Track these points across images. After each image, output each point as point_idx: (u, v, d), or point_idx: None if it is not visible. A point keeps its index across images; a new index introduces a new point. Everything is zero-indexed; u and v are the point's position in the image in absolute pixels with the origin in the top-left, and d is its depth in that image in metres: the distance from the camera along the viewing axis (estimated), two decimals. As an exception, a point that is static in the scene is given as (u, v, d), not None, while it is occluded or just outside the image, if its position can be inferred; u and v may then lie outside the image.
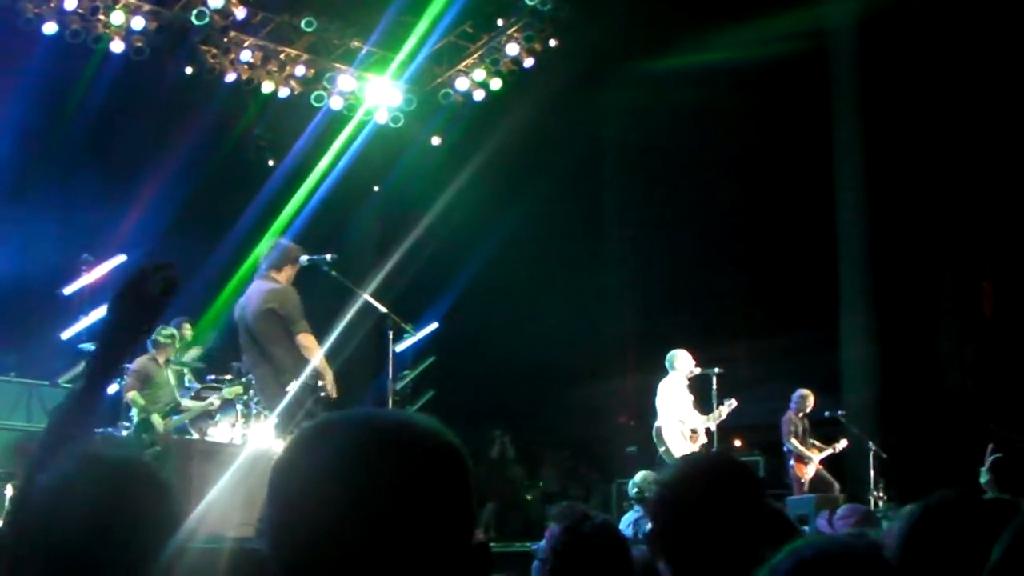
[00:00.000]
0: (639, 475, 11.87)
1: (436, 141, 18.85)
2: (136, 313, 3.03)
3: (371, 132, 18.39)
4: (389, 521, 1.62)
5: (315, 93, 17.63)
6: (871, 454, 15.80)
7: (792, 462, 15.67)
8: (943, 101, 19.93)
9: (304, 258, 9.88)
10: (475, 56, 18.06)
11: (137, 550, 2.67)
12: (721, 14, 19.01)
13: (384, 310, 10.04)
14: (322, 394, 9.48)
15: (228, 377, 12.58)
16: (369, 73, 17.93)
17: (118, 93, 16.01)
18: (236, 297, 15.40)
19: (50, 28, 15.17)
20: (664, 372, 13.86)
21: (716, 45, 19.14)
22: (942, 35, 19.46)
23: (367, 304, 10.14)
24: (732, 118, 21.05)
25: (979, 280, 20.15)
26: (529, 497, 19.46)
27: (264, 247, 10.12)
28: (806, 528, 10.73)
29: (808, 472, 15.54)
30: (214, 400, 12.19)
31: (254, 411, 11.05)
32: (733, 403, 13.95)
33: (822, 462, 15.72)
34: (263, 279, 9.87)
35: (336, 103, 17.83)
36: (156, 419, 11.53)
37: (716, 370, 13.98)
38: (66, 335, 12.65)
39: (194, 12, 15.65)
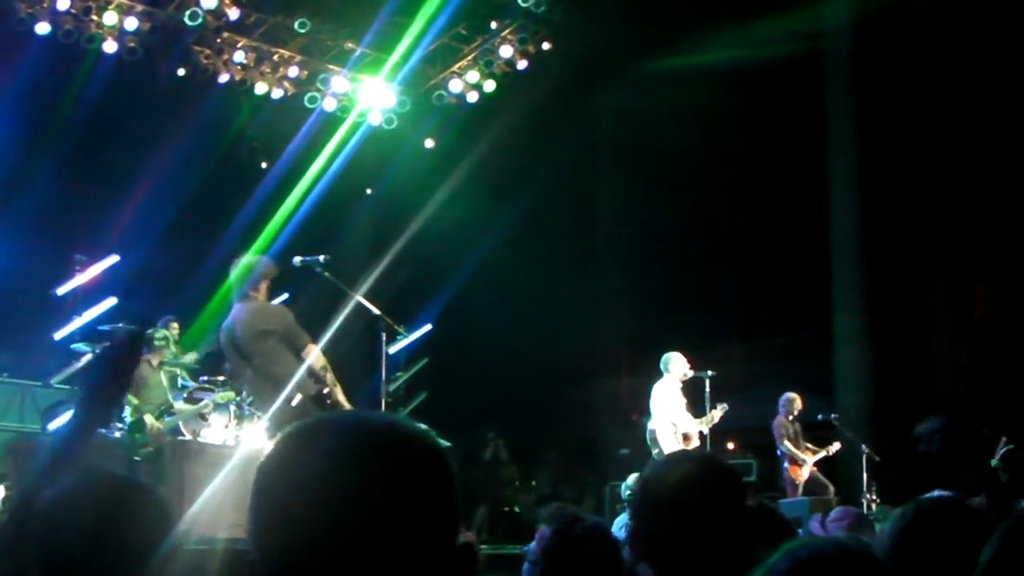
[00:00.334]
0: (632, 477, 11.87)
1: (430, 144, 18.85)
2: (116, 381, 3.23)
3: (365, 134, 18.38)
4: (373, 522, 1.62)
5: (308, 94, 17.65)
6: (864, 457, 15.79)
7: (786, 465, 15.69)
8: (938, 103, 19.96)
9: (297, 259, 9.87)
10: (469, 58, 18.07)
11: (132, 563, 2.75)
12: (716, 15, 19.03)
13: (377, 312, 10.03)
14: (329, 403, 9.48)
15: (221, 378, 12.56)
16: (363, 75, 17.95)
17: (111, 94, 16.00)
18: (228, 300, 15.45)
19: (43, 28, 15.19)
20: (658, 374, 13.87)
21: (710, 46, 19.15)
22: (937, 37, 19.49)
23: (360, 306, 10.14)
24: (726, 120, 21.06)
25: (972, 283, 20.18)
26: (522, 499, 19.47)
27: (236, 269, 10.05)
28: (800, 531, 10.74)
29: (802, 475, 15.55)
30: (207, 403, 12.18)
31: (247, 412, 11.04)
32: (725, 407, 13.99)
33: (816, 465, 15.73)
34: (245, 302, 9.84)
35: (329, 104, 17.84)
36: (149, 420, 11.50)
37: (709, 373, 14.01)
38: (59, 335, 12.62)
39: (187, 13, 15.66)
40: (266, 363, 9.57)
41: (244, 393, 11.76)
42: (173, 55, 16.43)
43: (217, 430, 12.15)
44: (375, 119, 18.23)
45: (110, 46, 15.70)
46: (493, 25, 17.69)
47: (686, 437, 13.70)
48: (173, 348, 12.87)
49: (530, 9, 17.05)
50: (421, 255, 18.17)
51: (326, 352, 10.02)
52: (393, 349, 10.60)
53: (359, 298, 10.18)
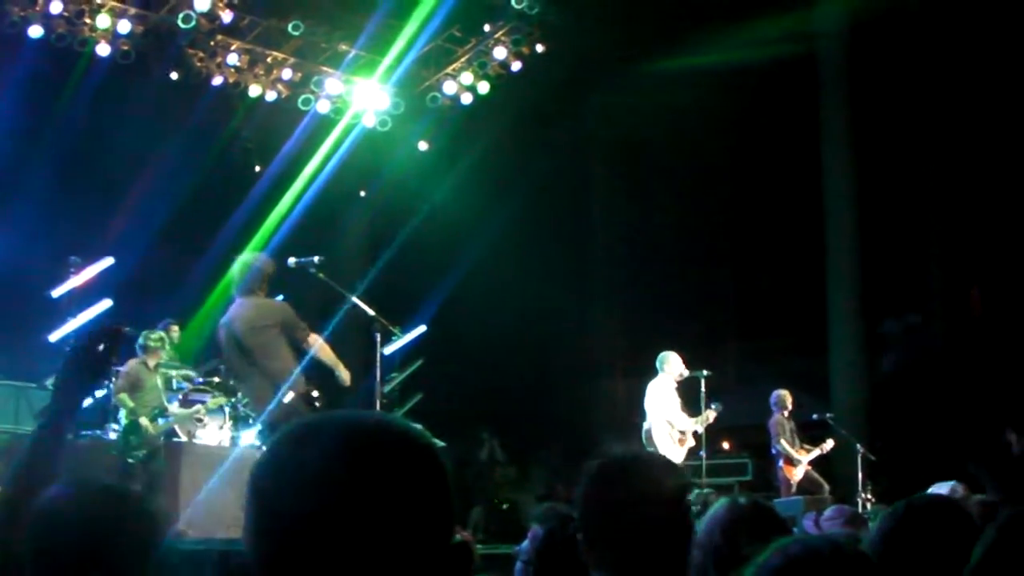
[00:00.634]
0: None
1: (423, 146, 18.85)
2: (88, 371, 3.28)
3: (358, 136, 18.38)
4: (369, 522, 1.62)
5: (302, 97, 17.64)
6: (859, 456, 15.83)
7: (781, 464, 15.71)
8: (932, 105, 19.99)
9: (292, 261, 9.88)
10: (462, 59, 18.07)
11: (122, 572, 2.79)
12: (710, 17, 19.04)
13: (372, 313, 10.05)
14: (318, 405, 9.51)
15: (216, 380, 12.57)
16: (356, 77, 17.93)
17: (105, 97, 16.00)
18: (223, 302, 15.42)
19: (36, 31, 15.18)
20: (654, 374, 13.89)
21: (704, 48, 19.16)
22: (932, 39, 19.52)
23: (355, 307, 10.15)
24: (721, 121, 21.09)
25: (968, 284, 20.20)
26: (517, 499, 19.48)
27: (237, 266, 10.08)
28: (795, 530, 10.76)
29: (797, 474, 15.58)
30: (200, 408, 12.20)
31: (241, 414, 11.06)
32: (720, 407, 14.00)
33: (811, 464, 15.75)
34: (248, 297, 9.85)
35: (323, 107, 17.85)
36: (145, 422, 11.52)
37: (704, 372, 14.02)
38: (54, 337, 12.62)
39: (180, 16, 15.66)
40: (264, 358, 9.58)
41: (239, 395, 11.79)
42: (166, 58, 16.44)
43: (212, 432, 12.17)
44: (369, 121, 18.23)
45: (103, 49, 15.70)
46: (487, 28, 17.70)
47: (681, 436, 13.73)
48: (169, 350, 12.87)
49: (523, 11, 17.06)
50: (416, 256, 18.17)
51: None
52: (388, 350, 10.61)
53: (354, 299, 10.20)
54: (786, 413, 15.74)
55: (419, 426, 1.80)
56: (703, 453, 14.30)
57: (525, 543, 4.04)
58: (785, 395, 15.79)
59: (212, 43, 16.70)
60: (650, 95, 19.84)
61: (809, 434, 16.19)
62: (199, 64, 16.72)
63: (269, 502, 1.67)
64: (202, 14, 15.82)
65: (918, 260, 20.28)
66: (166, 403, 12.10)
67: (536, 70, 18.03)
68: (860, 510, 12.71)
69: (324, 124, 18.18)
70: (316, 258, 9.91)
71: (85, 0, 15.49)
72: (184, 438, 11.99)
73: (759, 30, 18.44)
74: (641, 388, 14.02)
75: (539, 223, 20.76)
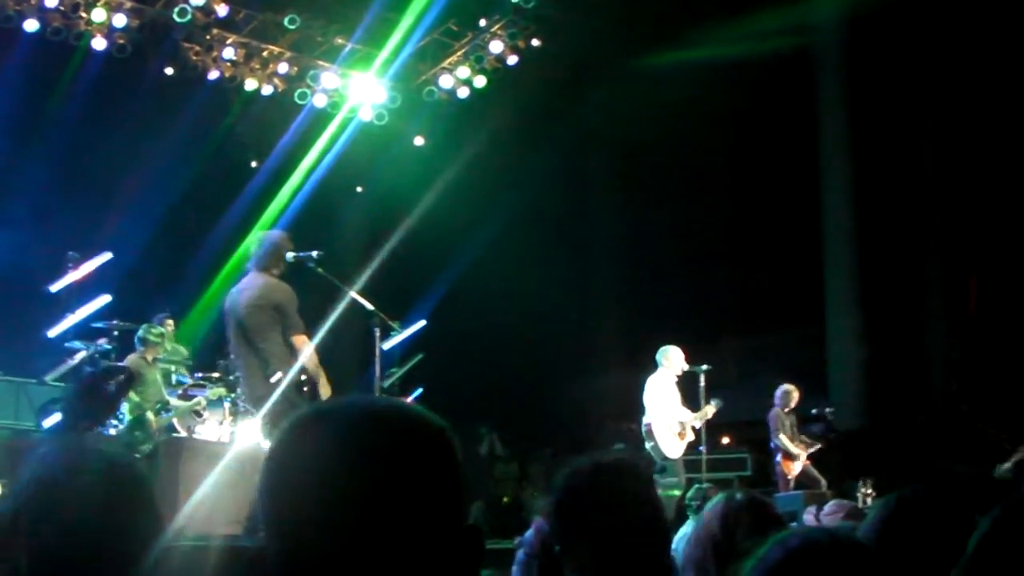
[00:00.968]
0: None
1: (420, 141, 18.85)
2: (95, 408, 3.32)
3: (355, 130, 18.39)
4: (384, 506, 1.64)
5: (299, 91, 17.65)
6: (858, 450, 15.86)
7: (779, 459, 15.73)
8: (929, 97, 20.01)
9: (290, 255, 9.87)
10: (459, 53, 18.08)
11: (123, 548, 2.74)
12: (706, 12, 19.05)
13: (371, 307, 10.07)
14: (306, 389, 9.50)
15: (215, 375, 12.59)
16: (353, 70, 17.93)
17: (102, 91, 16.01)
18: (221, 296, 15.44)
19: (31, 25, 15.20)
20: (653, 368, 13.91)
21: (700, 43, 19.16)
22: (928, 30, 19.53)
23: (354, 301, 10.17)
24: (718, 116, 21.08)
25: (965, 276, 20.25)
26: (517, 494, 19.49)
27: (255, 239, 10.10)
28: (794, 524, 10.82)
29: (794, 469, 15.60)
30: (200, 400, 12.20)
31: (241, 408, 11.09)
32: (720, 403, 14.01)
33: (809, 459, 15.79)
34: (259, 273, 9.88)
35: (320, 101, 17.83)
36: (150, 416, 11.55)
37: (704, 367, 14.04)
38: (53, 333, 12.61)
39: (176, 9, 15.69)
40: (258, 339, 9.58)
41: (237, 391, 11.81)
42: (162, 52, 16.45)
43: (211, 426, 12.18)
44: (366, 115, 18.23)
45: (99, 43, 15.72)
46: (482, 22, 17.72)
47: (681, 431, 13.77)
48: (168, 345, 12.90)
49: (520, 4, 17.10)
50: (415, 251, 18.19)
51: (320, 348, 10.07)
52: (388, 345, 10.65)
53: (353, 294, 10.21)
54: (787, 409, 15.78)
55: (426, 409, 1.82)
56: (703, 448, 14.33)
57: (528, 534, 4.07)
58: (791, 391, 15.81)
59: (208, 37, 16.70)
60: (647, 91, 19.82)
61: (808, 428, 16.24)
62: (195, 58, 16.73)
63: (284, 491, 1.69)
64: (197, 8, 15.87)
65: (916, 252, 20.30)
66: (167, 397, 12.12)
67: (533, 65, 18.05)
68: (860, 504, 12.77)
69: (321, 118, 18.18)
70: (315, 252, 9.91)
71: (81, -6, 15.53)
72: (183, 433, 12.00)
73: (755, 24, 18.44)
74: (640, 384, 14.05)
75: (538, 218, 20.77)
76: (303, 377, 9.50)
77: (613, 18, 19.59)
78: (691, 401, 13.98)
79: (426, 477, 1.70)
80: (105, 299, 13.06)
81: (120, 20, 15.71)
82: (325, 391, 9.59)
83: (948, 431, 17.72)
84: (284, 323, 9.54)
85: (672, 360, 13.77)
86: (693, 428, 13.90)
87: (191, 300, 16.07)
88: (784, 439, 15.56)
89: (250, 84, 17.26)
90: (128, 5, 15.83)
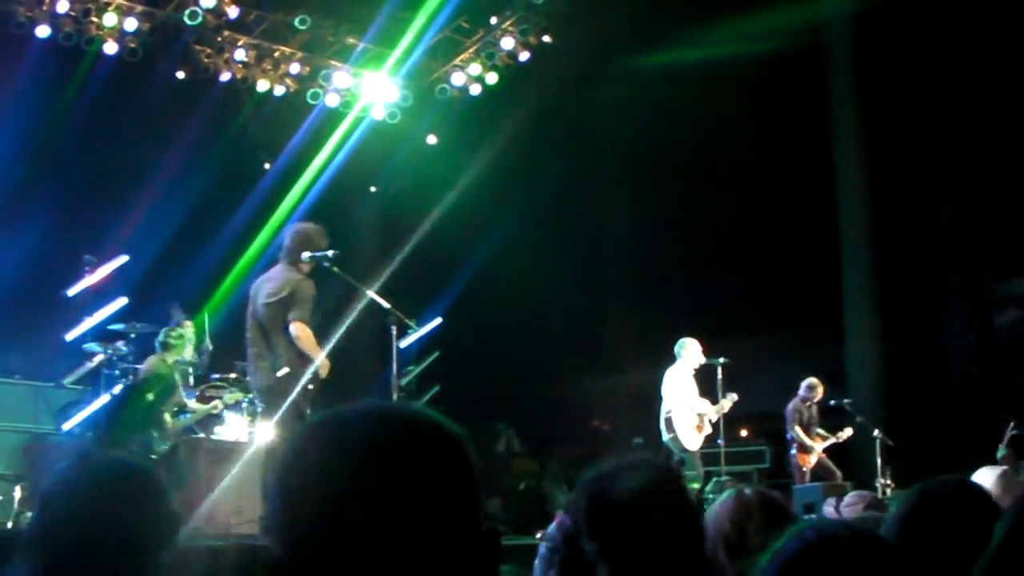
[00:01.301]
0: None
1: (432, 140, 18.84)
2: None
3: (367, 129, 18.41)
4: (403, 511, 1.65)
5: (311, 91, 17.67)
6: (877, 441, 15.85)
7: (794, 451, 15.74)
8: (943, 92, 19.98)
9: (306, 254, 9.91)
10: (471, 51, 18.07)
11: (137, 550, 2.81)
12: (717, 9, 19.02)
13: (387, 306, 10.09)
14: (311, 387, 9.56)
15: (232, 376, 12.62)
16: (365, 70, 17.94)
17: (114, 95, 16.04)
18: (231, 296, 15.47)
19: (43, 31, 15.23)
20: (671, 360, 13.93)
21: (712, 40, 19.14)
22: (941, 24, 19.50)
23: (370, 300, 10.20)
24: (731, 113, 21.07)
25: (981, 265, 20.22)
26: (535, 490, 19.48)
27: (290, 234, 10.18)
28: (813, 516, 10.82)
29: (810, 461, 15.61)
30: (217, 404, 12.24)
31: (259, 409, 11.13)
32: (735, 397, 14.05)
33: (826, 451, 15.78)
34: (285, 266, 9.94)
35: (332, 100, 17.84)
36: (167, 418, 11.58)
37: (721, 360, 14.04)
38: (70, 336, 12.65)
39: (187, 12, 15.68)
40: (272, 331, 9.71)
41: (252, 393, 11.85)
42: (174, 55, 16.49)
43: (230, 427, 12.22)
44: (378, 114, 18.24)
45: (111, 47, 15.73)
46: (493, 19, 17.70)
47: (699, 423, 13.79)
48: (188, 347, 12.91)
49: (531, 1, 17.09)
50: (430, 248, 18.20)
51: (337, 347, 10.10)
52: (404, 343, 10.67)
53: (370, 292, 10.24)
54: (808, 403, 15.76)
55: (440, 413, 1.83)
56: (721, 441, 14.34)
57: (551, 528, 4.06)
58: (817, 384, 15.82)
59: (219, 39, 16.72)
60: (659, 88, 19.83)
61: (827, 420, 16.22)
62: (206, 60, 16.76)
63: (296, 494, 1.69)
64: (208, 10, 15.87)
65: (932, 246, 20.28)
66: (185, 399, 12.16)
67: (545, 63, 18.04)
68: (879, 496, 12.77)
69: (333, 118, 18.20)
70: (330, 252, 9.97)
71: (91, -1, 15.58)
72: (202, 434, 12.04)
73: (767, 21, 18.42)
74: (656, 379, 14.06)
75: (551, 215, 20.78)
76: (308, 379, 9.57)
77: (624, 15, 19.58)
78: (709, 394, 14.00)
79: (439, 482, 1.70)
80: (122, 302, 13.10)
81: (131, 24, 15.73)
82: (323, 368, 9.66)
83: (968, 420, 17.72)
84: (292, 310, 9.60)
85: (691, 352, 13.81)
86: (710, 421, 13.93)
87: (202, 300, 16.08)
88: (799, 431, 15.57)
89: (262, 85, 17.28)
90: (139, 9, 15.85)
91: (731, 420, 14.81)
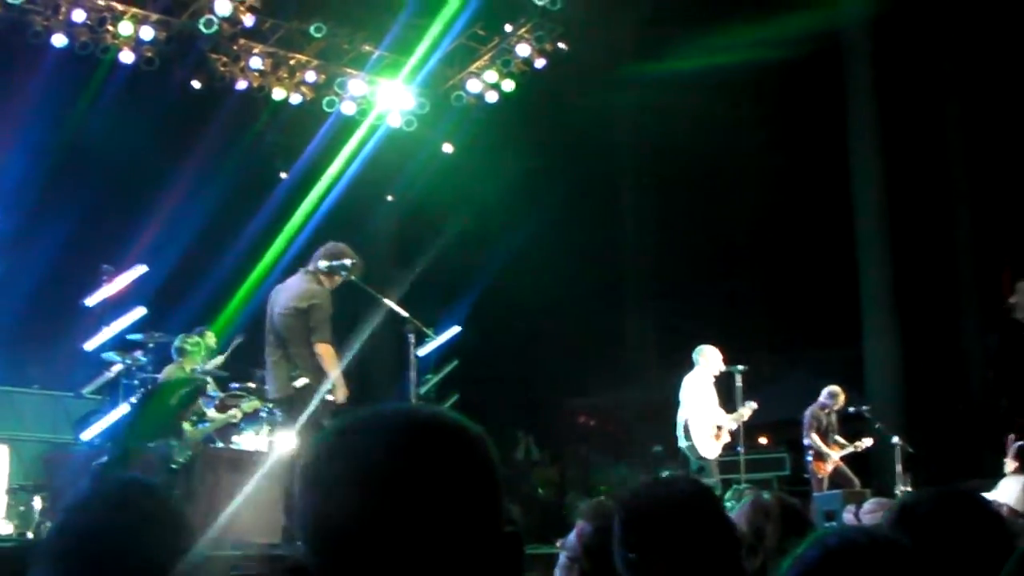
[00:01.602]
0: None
1: (448, 149, 18.85)
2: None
3: (383, 137, 18.44)
4: (421, 512, 1.66)
5: (327, 98, 17.72)
6: (897, 448, 15.81)
7: (810, 458, 15.67)
8: (960, 93, 19.96)
9: (323, 264, 9.98)
10: (486, 58, 18.07)
11: (150, 567, 2.82)
12: (733, 13, 19.02)
13: (405, 315, 10.12)
14: (329, 398, 9.61)
15: (252, 385, 12.63)
16: (380, 77, 17.98)
17: (129, 104, 16.10)
18: (247, 304, 15.50)
19: (59, 40, 15.29)
20: (690, 367, 13.92)
21: (728, 45, 19.13)
22: (958, 22, 19.48)
23: (387, 308, 10.23)
24: (748, 118, 21.08)
25: (998, 269, 20.18)
26: (554, 497, 19.49)
27: (324, 246, 10.26)
28: (833, 524, 10.82)
29: (827, 468, 15.55)
30: (235, 412, 12.25)
31: (279, 418, 11.16)
32: (754, 405, 13.98)
33: (843, 459, 15.73)
34: (303, 276, 10.01)
35: (348, 108, 17.88)
36: (187, 427, 11.60)
37: (740, 367, 14.00)
38: (89, 346, 12.69)
39: (202, 21, 15.69)
40: (289, 341, 9.76)
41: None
42: (189, 64, 16.55)
43: (249, 437, 12.24)
44: (394, 121, 18.28)
45: (127, 56, 15.77)
46: (508, 27, 17.70)
47: (718, 431, 13.76)
48: (204, 355, 12.93)
49: (546, 7, 17.10)
50: (447, 257, 18.23)
51: (354, 355, 10.15)
52: (423, 351, 10.70)
53: (387, 301, 10.27)
54: (827, 410, 15.72)
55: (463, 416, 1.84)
56: (740, 448, 14.32)
57: (570, 538, 4.06)
58: (838, 393, 15.76)
59: (235, 47, 16.78)
60: (675, 94, 19.83)
61: (846, 428, 16.18)
62: (223, 69, 16.81)
63: (324, 499, 1.70)
64: (224, 19, 15.87)
65: (949, 248, 20.25)
66: (203, 408, 12.18)
67: (561, 70, 18.05)
68: (899, 502, 12.70)
69: (349, 126, 18.24)
70: (348, 261, 10.03)
71: (107, 8, 15.62)
72: (221, 443, 12.05)
73: (783, 26, 18.40)
74: (673, 387, 14.05)
75: (568, 219, 20.80)
76: (327, 390, 9.62)
77: (638, 21, 19.60)
78: (727, 402, 13.98)
79: (463, 483, 1.71)
80: (140, 312, 13.14)
81: (147, 33, 15.76)
82: (340, 394, 9.71)
83: (987, 425, 17.66)
84: (311, 328, 9.67)
85: (709, 359, 13.78)
86: (729, 430, 13.90)
87: (217, 309, 16.12)
88: (816, 438, 15.52)
89: (278, 93, 17.32)
90: (154, 18, 15.89)
91: (751, 428, 14.80)
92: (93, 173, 16.35)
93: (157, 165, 16.74)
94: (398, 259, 17.97)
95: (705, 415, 13.64)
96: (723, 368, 13.83)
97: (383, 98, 18.06)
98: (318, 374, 9.70)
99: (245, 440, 12.18)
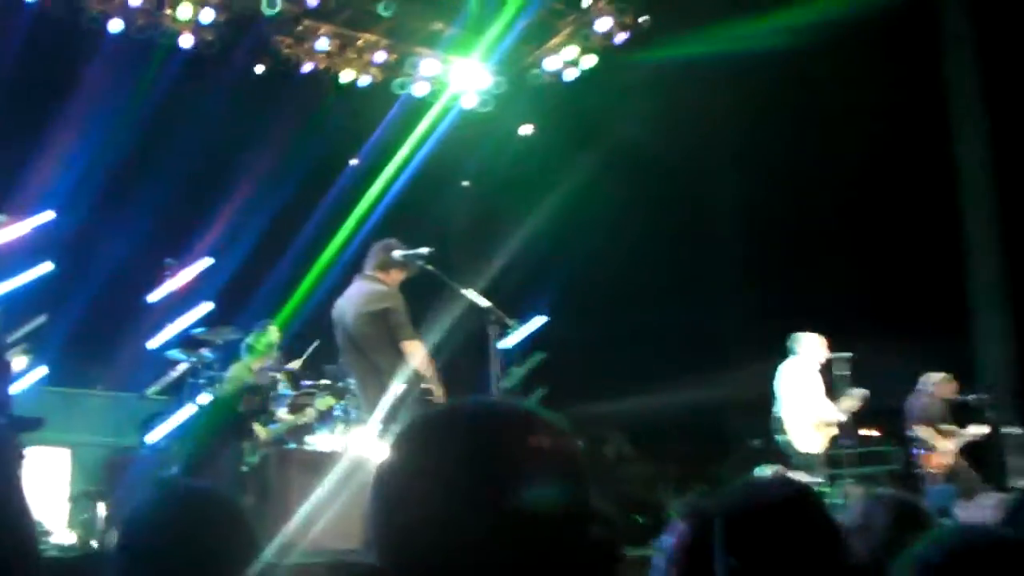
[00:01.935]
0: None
1: (527, 129, 18.74)
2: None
3: (457, 118, 18.38)
4: (507, 514, 1.63)
5: (397, 80, 17.68)
6: (1009, 439, 15.51)
7: (919, 451, 15.33)
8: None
9: (398, 253, 9.94)
10: (564, 33, 17.95)
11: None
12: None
13: (486, 304, 10.06)
14: (429, 397, 9.55)
15: (324, 382, 12.63)
16: (454, 56, 17.90)
17: (191, 91, 16.16)
18: (313, 293, 15.51)
19: (116, 25, 15.39)
20: (785, 356, 13.72)
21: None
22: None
23: (466, 299, 10.17)
24: (842, 98, 20.77)
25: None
26: (650, 496, 19.40)
27: (373, 248, 10.23)
28: (947, 520, 10.66)
29: (939, 461, 15.21)
30: (309, 412, 12.23)
31: (353, 417, 11.16)
32: (865, 393, 13.62)
33: (960, 451, 15.42)
34: (365, 280, 9.99)
35: (421, 89, 17.83)
36: (258, 427, 11.63)
37: (846, 355, 13.72)
38: (153, 344, 12.75)
39: (264, 1, 15.68)
40: (371, 351, 9.70)
41: (347, 398, 11.86)
42: (252, 47, 16.58)
43: (323, 436, 12.24)
44: (469, 102, 18.21)
45: (186, 40, 15.84)
46: (586, 1, 17.53)
47: (827, 425, 13.46)
48: (275, 353, 12.95)
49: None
50: (529, 243, 18.15)
51: (433, 349, 10.11)
52: (505, 343, 10.66)
53: (466, 291, 10.21)
54: (941, 398, 15.41)
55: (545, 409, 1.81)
56: (847, 441, 14.07)
57: (668, 539, 4.03)
58: (947, 378, 15.47)
59: (299, 28, 16.80)
60: (766, 67, 19.57)
61: (958, 418, 15.90)
62: (287, 51, 16.85)
63: (400, 505, 1.69)
64: (286, -1, 15.94)
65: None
66: (272, 408, 12.19)
67: (642, 46, 17.85)
68: (1018, 497, 12.49)
69: (420, 109, 18.19)
70: (424, 249, 9.98)
71: (164, -10, 15.73)
72: (294, 444, 12.05)
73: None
74: (770, 376, 13.85)
75: (655, 204, 20.65)
76: (423, 386, 9.57)
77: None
78: (832, 391, 13.74)
79: (551, 482, 1.68)
80: (207, 307, 13.18)
81: (207, 15, 15.81)
82: (438, 393, 9.65)
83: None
84: (393, 329, 9.62)
85: (808, 347, 13.53)
86: (837, 422, 13.61)
87: (282, 299, 16.11)
88: (925, 429, 15.18)
89: (346, 75, 17.32)
90: (214, 0, 15.95)
91: (859, 419, 14.54)
92: (153, 165, 16.42)
93: (219, 154, 16.74)
94: (474, 246, 17.90)
95: (803, 407, 13.35)
96: (827, 355, 13.57)
97: (456, 78, 17.97)
98: (411, 375, 9.64)
99: (319, 440, 12.18)
